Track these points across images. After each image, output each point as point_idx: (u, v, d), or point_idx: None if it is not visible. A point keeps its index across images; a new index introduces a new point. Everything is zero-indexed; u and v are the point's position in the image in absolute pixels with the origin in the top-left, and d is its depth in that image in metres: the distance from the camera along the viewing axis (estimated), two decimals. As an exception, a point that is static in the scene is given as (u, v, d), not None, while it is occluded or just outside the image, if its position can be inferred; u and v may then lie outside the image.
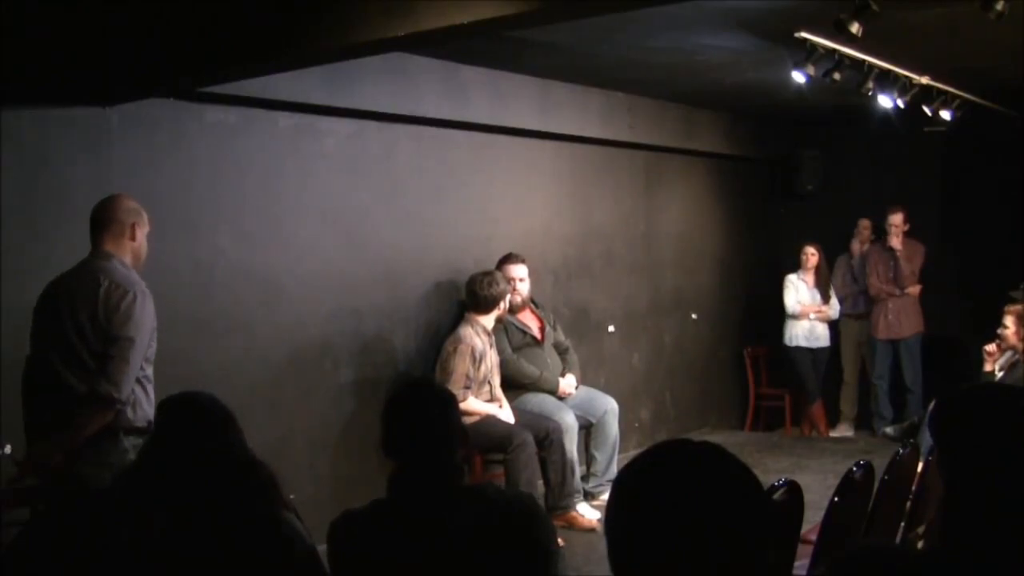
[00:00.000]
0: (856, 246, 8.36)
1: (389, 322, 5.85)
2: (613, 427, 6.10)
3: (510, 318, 5.96)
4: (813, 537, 3.26)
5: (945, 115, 7.00)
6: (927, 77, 6.52)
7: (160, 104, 4.73)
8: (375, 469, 5.51)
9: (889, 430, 7.70)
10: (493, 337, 5.78)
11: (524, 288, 6.05)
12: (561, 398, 5.99)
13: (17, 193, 4.23)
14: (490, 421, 5.51)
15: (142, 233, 3.76)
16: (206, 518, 2.28)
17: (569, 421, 5.75)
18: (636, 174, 7.78)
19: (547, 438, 5.57)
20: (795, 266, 8.29)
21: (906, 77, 6.38)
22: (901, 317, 7.97)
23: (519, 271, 6.02)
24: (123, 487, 2.44)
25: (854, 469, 3.40)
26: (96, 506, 2.30)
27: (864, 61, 5.89)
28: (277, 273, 5.26)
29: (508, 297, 5.81)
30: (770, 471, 6.34)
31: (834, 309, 8.27)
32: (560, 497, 5.60)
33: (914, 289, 7.95)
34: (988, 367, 5.79)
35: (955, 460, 1.81)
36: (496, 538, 2.27)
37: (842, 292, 8.32)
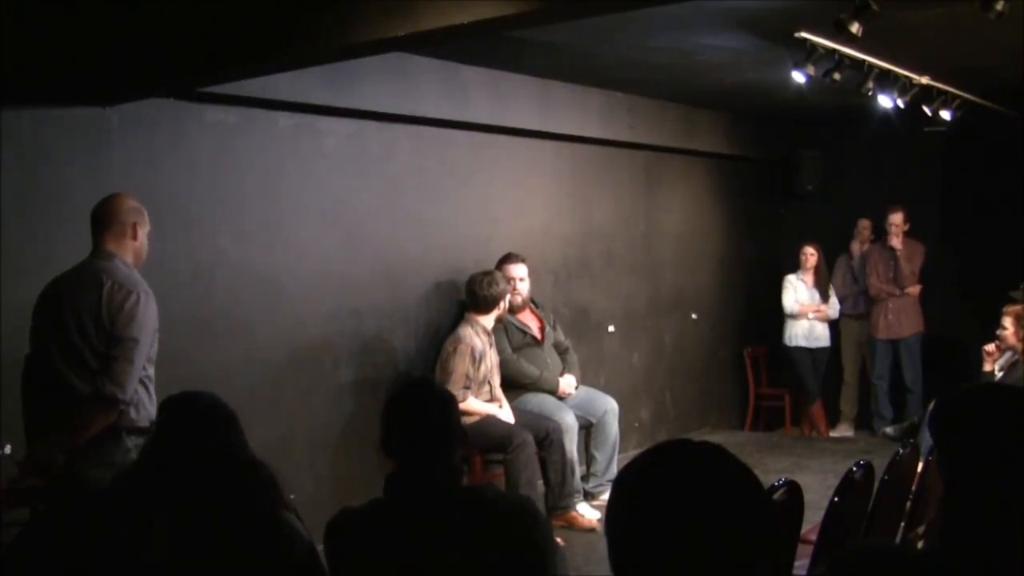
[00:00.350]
0: (856, 246, 8.36)
1: (389, 322, 5.85)
2: (613, 427, 6.09)
3: (510, 318, 5.96)
4: (813, 537, 3.26)
5: (945, 115, 7.00)
6: (927, 77, 6.52)
7: (160, 104, 4.73)
8: (375, 469, 5.51)
9: (889, 430, 7.70)
10: (493, 337, 5.78)
11: (524, 288, 6.05)
12: (561, 398, 5.99)
13: (17, 193, 4.23)
14: (490, 421, 5.51)
15: (143, 233, 3.76)
16: (206, 518, 2.28)
17: (569, 421, 5.75)
18: (636, 174, 7.78)
19: (547, 438, 5.57)
20: (795, 266, 8.29)
21: (906, 77, 6.38)
22: (901, 317, 7.97)
23: (519, 271, 6.02)
24: (123, 487, 2.44)
25: (854, 469, 3.40)
26: (96, 506, 2.30)
27: (864, 61, 5.89)
28: (277, 273, 5.26)
29: (508, 297, 5.81)
30: (770, 471, 6.34)
31: (833, 309, 8.27)
32: (560, 497, 5.60)
33: (914, 289, 7.95)
34: (988, 367, 5.79)
35: (955, 460, 1.81)
36: (494, 539, 2.27)
37: (842, 292, 8.32)
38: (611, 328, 7.53)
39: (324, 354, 5.50)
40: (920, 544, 3.65)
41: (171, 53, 4.19)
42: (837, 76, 5.73)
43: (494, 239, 6.38)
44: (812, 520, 3.39)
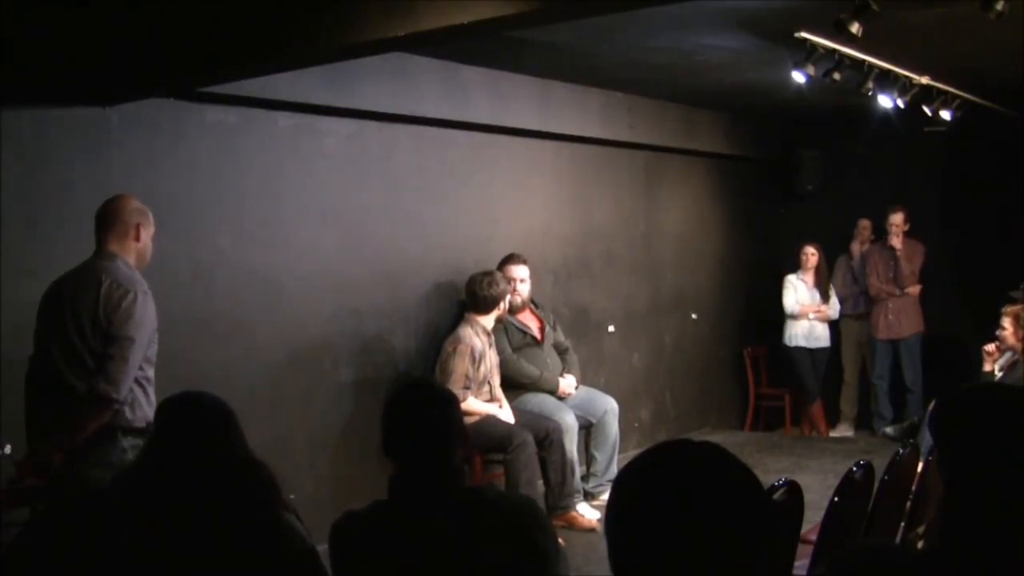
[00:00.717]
0: (856, 247, 8.36)
1: (389, 322, 5.85)
2: (613, 427, 6.09)
3: (510, 318, 5.96)
4: (813, 537, 3.26)
5: (945, 115, 7.00)
6: (927, 77, 6.52)
7: (160, 104, 4.73)
8: (375, 469, 5.51)
9: (889, 430, 7.70)
10: (493, 337, 5.78)
11: (525, 289, 6.04)
12: (561, 398, 5.99)
13: (17, 193, 4.23)
14: (490, 421, 5.51)
15: (147, 234, 3.77)
16: (206, 518, 2.28)
17: (569, 421, 5.75)
18: (636, 174, 7.78)
19: (547, 438, 5.57)
20: (795, 266, 8.29)
21: (906, 77, 6.38)
22: (901, 317, 7.97)
23: (520, 272, 6.02)
24: (123, 487, 2.44)
25: (854, 469, 3.40)
26: (96, 506, 2.30)
27: (864, 61, 5.89)
28: (277, 273, 5.26)
29: (508, 298, 5.81)
30: (770, 471, 6.34)
31: (833, 309, 8.27)
32: (560, 497, 5.60)
33: (914, 289, 7.95)
34: (988, 367, 5.80)
35: (955, 460, 1.81)
36: (496, 539, 2.27)
37: (842, 292, 8.31)
38: (611, 328, 7.53)
39: (324, 354, 5.50)
40: (920, 544, 3.65)
41: (171, 53, 4.19)
42: (837, 76, 5.73)
43: (494, 239, 6.38)
44: (812, 520, 3.39)
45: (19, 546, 2.17)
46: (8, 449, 4.05)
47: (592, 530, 5.48)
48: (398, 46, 4.49)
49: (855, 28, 4.62)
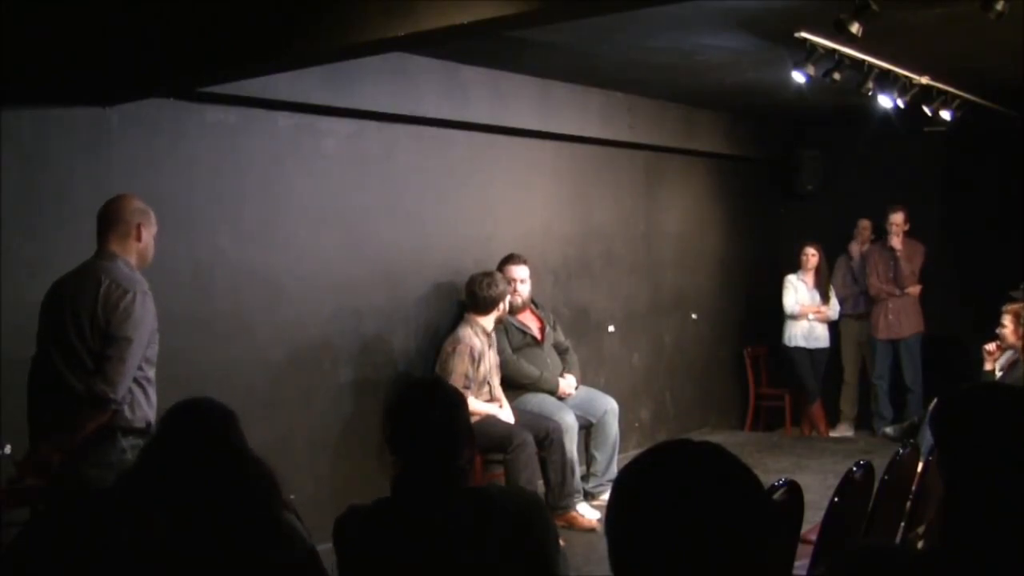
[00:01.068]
0: (855, 247, 8.35)
1: (389, 322, 5.85)
2: (613, 427, 6.09)
3: (510, 318, 5.96)
4: (813, 537, 3.26)
5: (945, 115, 7.00)
6: (927, 77, 6.52)
7: (160, 104, 4.73)
8: (375, 469, 5.55)
9: (889, 430, 7.70)
10: (493, 337, 5.78)
11: (525, 289, 6.04)
12: (561, 398, 5.99)
13: (17, 193, 4.23)
14: (490, 421, 5.51)
15: (149, 234, 3.77)
16: (206, 518, 2.28)
17: (569, 421, 5.75)
18: (636, 174, 7.78)
19: (547, 438, 5.57)
20: (795, 266, 8.29)
21: (906, 77, 6.38)
22: (901, 317, 7.97)
23: (521, 272, 6.02)
24: (123, 487, 2.44)
25: (854, 469, 3.40)
26: (96, 506, 2.30)
27: (864, 61, 5.89)
28: (277, 273, 5.26)
29: (508, 298, 5.81)
30: (770, 471, 6.33)
31: (833, 310, 8.27)
32: (560, 497, 5.60)
33: (914, 289, 7.95)
34: (988, 366, 5.80)
35: (955, 460, 1.81)
36: (498, 539, 2.27)
37: (842, 293, 8.31)
38: (611, 328, 7.53)
39: (324, 354, 5.50)
40: (920, 544, 3.65)
41: (171, 53, 4.19)
42: (837, 76, 5.73)
43: (494, 239, 6.38)
44: (812, 520, 3.39)
45: (19, 546, 2.17)
46: (8, 449, 4.05)
47: (592, 530, 5.48)
48: (398, 46, 4.49)
49: (855, 28, 4.62)
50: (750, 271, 8.99)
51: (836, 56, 5.61)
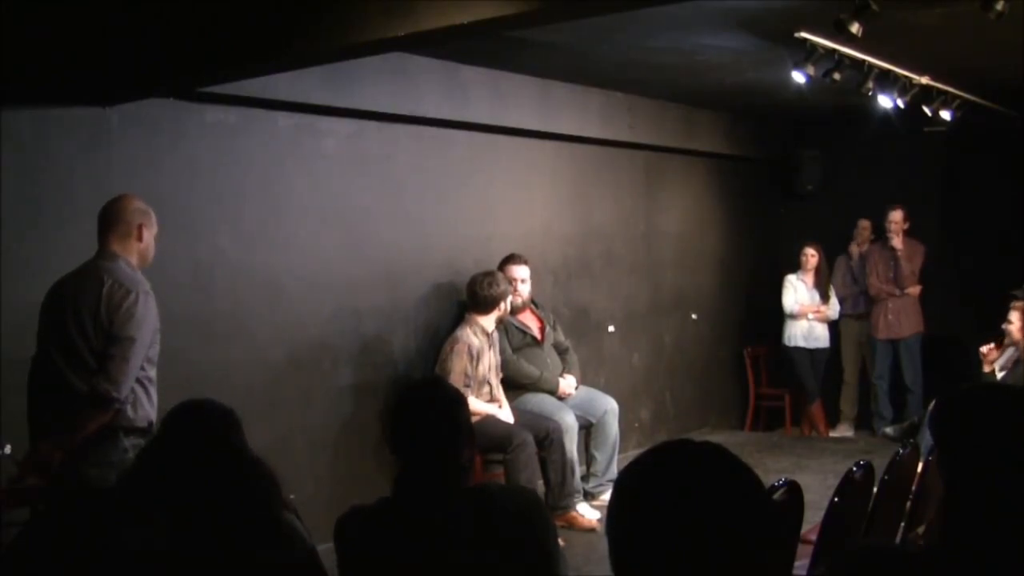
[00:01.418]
0: (854, 247, 8.35)
1: (389, 323, 5.85)
2: (613, 427, 6.09)
3: (510, 318, 5.96)
4: (813, 537, 3.26)
5: (945, 115, 7.00)
6: (927, 77, 6.52)
7: (160, 104, 4.73)
8: (375, 469, 5.55)
9: (889, 430, 7.70)
10: (494, 337, 5.78)
11: (525, 289, 6.04)
12: (561, 398, 5.99)
13: (17, 193, 4.23)
14: (490, 421, 5.51)
15: (149, 234, 3.77)
16: (206, 518, 2.28)
17: (569, 421, 5.75)
18: (636, 174, 7.78)
19: (547, 438, 5.57)
20: (795, 266, 8.29)
21: (906, 77, 6.38)
22: (901, 317, 7.97)
23: (521, 272, 6.02)
24: (123, 487, 2.44)
25: (854, 469, 3.40)
26: (96, 506, 2.30)
27: (864, 61, 5.89)
28: (277, 273, 5.26)
29: (509, 298, 5.81)
30: (770, 471, 6.33)
31: (833, 310, 8.27)
32: (560, 497, 5.60)
33: (914, 289, 7.95)
34: (987, 368, 5.79)
35: (955, 460, 1.81)
36: (498, 539, 2.27)
37: (842, 292, 8.31)
38: (611, 328, 7.53)
39: (324, 354, 5.50)
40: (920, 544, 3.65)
41: (171, 53, 4.19)
42: (837, 76, 5.73)
43: (494, 239, 6.38)
44: (812, 520, 3.39)
45: (19, 546, 2.17)
46: (8, 449, 4.05)
47: (592, 530, 5.48)
48: (398, 46, 4.49)
49: (855, 28, 4.62)
50: (750, 271, 8.99)
51: (836, 56, 5.61)
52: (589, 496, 5.93)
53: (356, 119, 5.58)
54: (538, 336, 6.12)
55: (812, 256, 8.20)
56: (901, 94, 6.45)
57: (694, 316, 8.42)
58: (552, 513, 5.42)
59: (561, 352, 6.25)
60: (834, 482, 3.48)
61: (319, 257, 5.46)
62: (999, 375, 5.74)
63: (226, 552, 2.25)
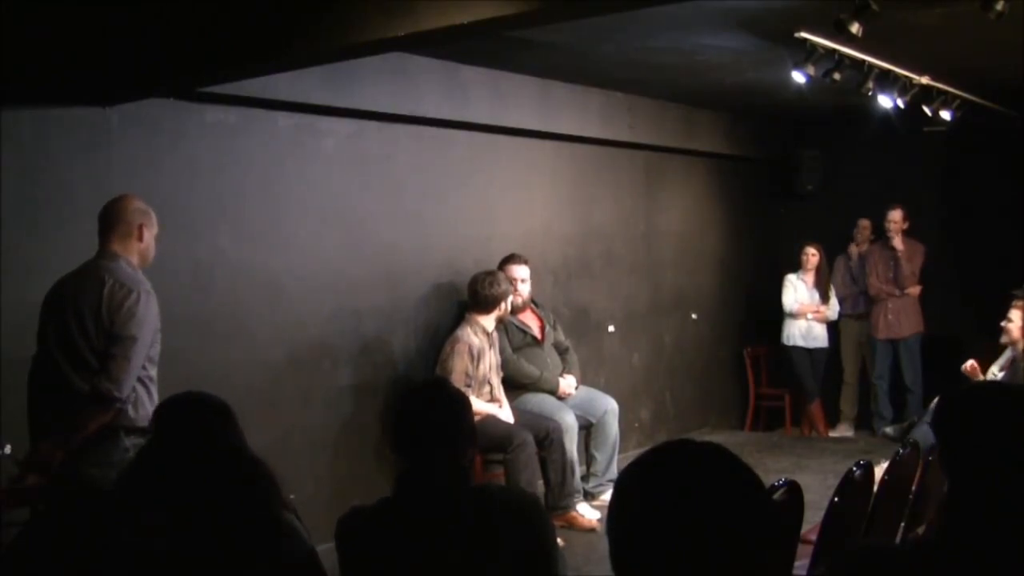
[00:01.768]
0: (853, 248, 8.35)
1: (389, 323, 5.84)
2: (613, 427, 6.09)
3: (511, 318, 5.96)
4: (813, 537, 3.26)
5: (945, 115, 7.00)
6: (927, 77, 6.52)
7: (160, 104, 4.73)
8: (374, 469, 5.55)
9: (889, 430, 7.69)
10: (495, 336, 5.78)
11: (525, 289, 6.04)
12: (561, 398, 5.99)
13: (17, 193, 4.23)
14: (490, 421, 5.50)
15: (150, 234, 3.78)
16: (206, 518, 2.28)
17: (569, 421, 5.75)
18: (636, 174, 7.78)
19: (547, 438, 5.57)
20: (795, 266, 8.29)
21: (906, 77, 6.38)
22: (901, 317, 7.97)
23: (521, 272, 6.02)
24: (123, 487, 2.44)
25: (854, 469, 3.40)
26: (96, 506, 2.30)
27: (864, 61, 5.89)
28: (277, 273, 5.26)
29: (510, 298, 5.81)
30: (770, 471, 6.33)
31: (832, 310, 8.27)
32: (560, 497, 5.60)
33: (914, 289, 7.95)
34: (980, 378, 5.77)
35: (956, 460, 1.81)
36: (499, 539, 2.28)
37: (841, 292, 8.31)
38: (611, 328, 7.53)
39: (323, 354, 5.50)
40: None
41: (171, 53, 4.19)
42: (837, 76, 5.73)
43: (494, 239, 6.37)
44: (812, 520, 3.39)
45: (19, 546, 2.17)
46: (8, 449, 4.05)
47: (592, 530, 5.48)
48: (398, 46, 4.49)
49: (855, 28, 4.62)
50: (750, 271, 8.99)
51: (836, 56, 5.61)
52: (589, 496, 5.93)
53: (356, 119, 5.58)
54: (538, 336, 6.12)
55: (813, 256, 8.20)
56: (901, 94, 6.45)
57: (694, 316, 8.42)
58: (552, 513, 5.43)
59: (561, 352, 6.24)
60: (834, 482, 3.48)
61: (319, 257, 5.46)
62: (998, 376, 5.74)
63: (226, 552, 2.25)
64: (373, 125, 5.70)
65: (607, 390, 6.47)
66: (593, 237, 7.35)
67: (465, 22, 3.45)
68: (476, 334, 5.65)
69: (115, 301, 3.56)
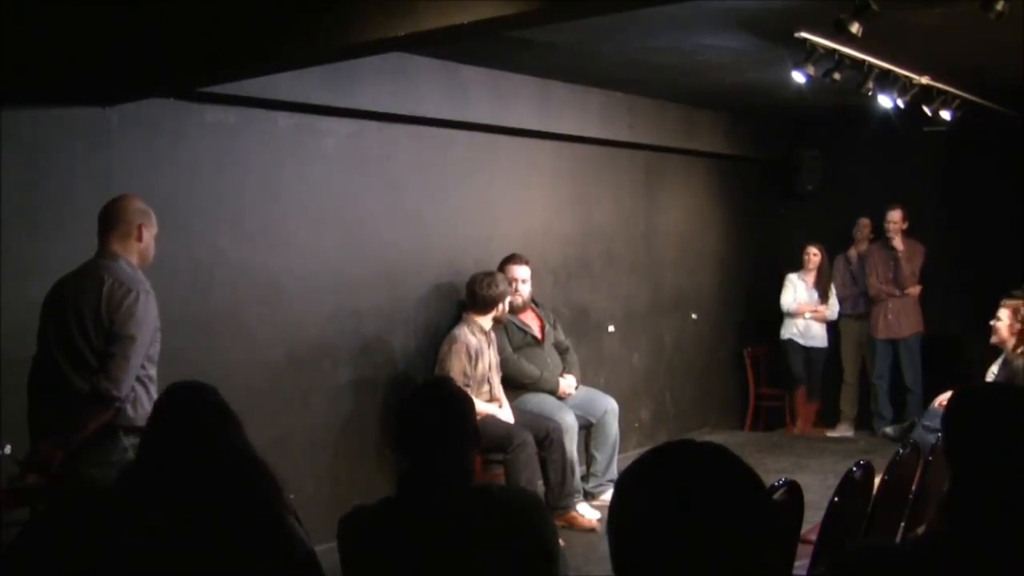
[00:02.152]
0: (853, 252, 8.35)
1: (389, 322, 5.84)
2: (613, 427, 6.09)
3: (511, 318, 5.96)
4: (813, 537, 3.26)
5: (945, 115, 7.00)
6: (927, 77, 6.53)
7: (160, 104, 4.73)
8: (374, 469, 5.55)
9: (889, 430, 7.70)
10: (493, 336, 5.78)
11: (526, 289, 6.04)
12: (561, 398, 5.99)
13: (17, 193, 4.23)
14: (490, 421, 5.50)
15: (149, 234, 3.78)
16: (206, 518, 2.28)
17: (569, 421, 5.75)
18: (636, 174, 7.78)
19: (547, 438, 5.57)
20: (796, 266, 8.30)
21: (906, 77, 6.38)
22: (901, 317, 7.97)
23: (522, 272, 6.02)
24: (123, 487, 2.44)
25: (854, 469, 3.40)
26: (96, 506, 2.30)
27: (864, 61, 5.89)
28: (277, 273, 5.26)
29: (509, 299, 5.81)
30: (770, 471, 6.33)
31: (831, 310, 8.28)
32: (560, 497, 5.60)
33: (914, 290, 7.95)
34: None
35: (957, 459, 1.82)
36: (500, 538, 2.28)
37: (841, 293, 8.32)
38: (611, 328, 7.53)
39: (323, 354, 5.50)
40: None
41: (171, 53, 4.19)
42: (837, 76, 5.73)
43: (494, 239, 6.37)
44: (812, 520, 3.39)
45: (19, 546, 2.17)
46: (8, 449, 4.05)
47: (592, 530, 5.48)
48: (398, 46, 4.49)
49: (855, 28, 4.62)
50: (750, 271, 8.99)
51: (836, 56, 5.61)
52: (589, 496, 5.93)
53: (356, 119, 5.58)
54: (538, 336, 6.12)
55: (815, 256, 8.21)
56: (901, 94, 6.45)
57: (694, 316, 8.42)
58: (552, 513, 5.43)
59: (561, 352, 6.24)
60: (834, 482, 3.48)
61: (319, 257, 5.46)
62: (996, 376, 5.73)
63: (226, 552, 2.25)
64: (373, 125, 5.70)
65: (607, 390, 6.47)
66: (593, 237, 7.35)
67: (465, 22, 3.45)
68: (474, 333, 5.65)
69: (114, 300, 3.56)
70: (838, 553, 1.80)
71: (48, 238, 4.30)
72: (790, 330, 8.27)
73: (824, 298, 8.25)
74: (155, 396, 3.64)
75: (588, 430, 6.11)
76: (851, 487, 3.34)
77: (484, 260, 6.12)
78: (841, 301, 8.31)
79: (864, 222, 8.34)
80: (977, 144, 7.83)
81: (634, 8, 4.32)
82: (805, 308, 8.21)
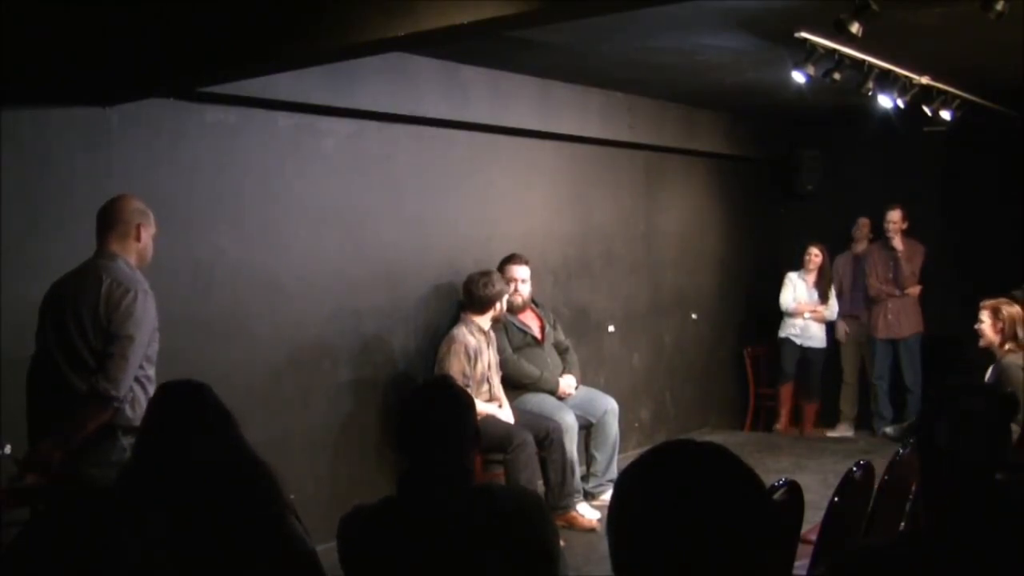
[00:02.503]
0: (851, 253, 8.36)
1: (389, 322, 5.84)
2: (613, 427, 6.09)
3: (511, 318, 5.96)
4: (813, 537, 3.26)
5: (945, 115, 7.00)
6: (927, 77, 6.52)
7: (160, 104, 4.72)
8: (374, 469, 5.55)
9: (889, 430, 7.70)
10: (492, 336, 5.78)
11: (526, 289, 6.04)
12: (561, 398, 5.99)
13: (17, 193, 4.23)
14: (490, 421, 5.50)
15: (148, 234, 3.78)
16: (206, 518, 2.28)
17: (569, 421, 5.75)
18: (636, 174, 7.78)
19: (547, 438, 5.57)
20: (796, 266, 8.30)
21: (906, 77, 6.38)
22: (900, 317, 7.98)
23: (521, 272, 6.02)
24: (123, 487, 2.44)
25: (854, 469, 3.40)
26: (96, 506, 2.30)
27: (864, 61, 5.89)
28: (277, 273, 5.26)
29: (506, 298, 5.81)
30: (770, 471, 6.32)
31: (831, 310, 8.28)
32: (560, 497, 5.60)
33: (914, 290, 7.96)
34: None
35: (956, 459, 1.82)
36: (501, 538, 2.28)
37: (841, 293, 8.32)
38: (611, 328, 7.53)
39: (323, 354, 5.50)
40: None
41: (171, 53, 4.19)
42: (837, 76, 5.73)
43: (494, 239, 6.37)
44: (812, 520, 3.39)
45: (19, 546, 2.17)
46: (8, 449, 4.05)
47: (592, 530, 5.48)
48: (398, 46, 4.49)
49: (855, 28, 4.62)
50: (750, 271, 8.99)
51: (836, 56, 5.61)
52: (589, 496, 5.93)
53: (356, 119, 5.58)
54: (538, 336, 6.12)
55: (816, 256, 8.21)
56: (901, 94, 6.45)
57: (694, 316, 8.42)
58: (552, 513, 5.43)
59: (561, 352, 6.24)
60: (834, 482, 3.48)
61: (319, 257, 5.46)
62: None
63: (226, 552, 2.25)
64: (373, 125, 5.70)
65: (607, 390, 6.47)
66: (593, 237, 7.35)
67: (465, 22, 3.45)
68: (472, 333, 5.65)
69: (113, 300, 3.56)
70: (838, 553, 1.80)
71: (48, 238, 4.30)
72: (788, 329, 8.28)
73: (824, 298, 8.25)
74: (154, 397, 3.64)
75: (588, 430, 6.11)
76: (851, 487, 3.34)
77: (484, 260, 6.12)
78: (841, 301, 8.31)
79: (864, 222, 8.35)
80: (977, 144, 7.83)
81: (634, 8, 4.32)
82: (805, 308, 8.21)
